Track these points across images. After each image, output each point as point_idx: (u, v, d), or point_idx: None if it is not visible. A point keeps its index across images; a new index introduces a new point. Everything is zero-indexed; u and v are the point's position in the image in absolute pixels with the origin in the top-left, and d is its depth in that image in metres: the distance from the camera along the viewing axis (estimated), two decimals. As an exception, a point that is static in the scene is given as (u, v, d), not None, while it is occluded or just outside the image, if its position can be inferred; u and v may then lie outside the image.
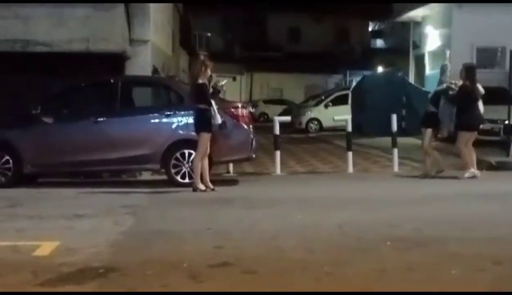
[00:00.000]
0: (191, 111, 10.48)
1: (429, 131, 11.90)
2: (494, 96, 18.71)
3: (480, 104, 11.69)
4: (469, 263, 5.66)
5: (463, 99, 11.49)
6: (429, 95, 12.43)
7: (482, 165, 13.45)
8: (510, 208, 8.17)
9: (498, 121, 16.84)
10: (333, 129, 24.85)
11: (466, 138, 11.60)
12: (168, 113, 11.11)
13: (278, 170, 12.95)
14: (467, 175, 11.52)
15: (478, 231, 6.97)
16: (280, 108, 36.96)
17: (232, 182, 11.61)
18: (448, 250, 6.13)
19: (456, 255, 5.93)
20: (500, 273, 5.36)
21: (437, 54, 25.50)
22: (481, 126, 12.09)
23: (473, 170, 11.58)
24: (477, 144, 12.17)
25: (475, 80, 11.63)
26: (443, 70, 12.29)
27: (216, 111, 10.23)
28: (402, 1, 27.86)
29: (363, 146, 18.19)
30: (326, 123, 27.98)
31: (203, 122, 10.18)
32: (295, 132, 26.98)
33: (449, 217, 7.83)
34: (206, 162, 10.27)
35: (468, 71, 11.80)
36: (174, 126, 11.03)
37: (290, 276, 5.29)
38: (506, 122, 15.37)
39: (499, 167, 13.05)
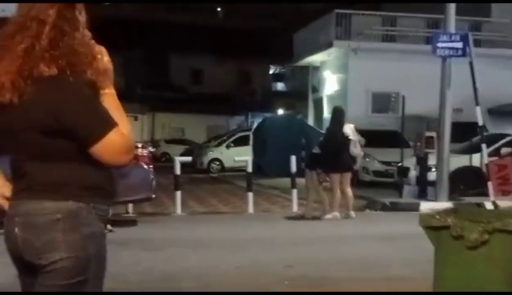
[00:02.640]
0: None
1: (313, 173, 11.81)
2: (388, 139, 19.49)
3: (355, 146, 11.71)
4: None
5: (332, 142, 11.63)
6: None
7: (377, 206, 13.87)
8: (404, 248, 8.41)
9: (392, 164, 17.44)
10: (235, 169, 24.97)
11: (338, 180, 11.62)
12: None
13: (178, 210, 12.85)
14: (329, 216, 11.56)
15: (372, 271, 7.15)
16: (182, 148, 36.85)
17: (131, 222, 11.42)
18: (343, 290, 6.26)
19: (351, 295, 6.07)
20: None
21: (335, 98, 26.24)
22: (355, 167, 12.31)
23: (336, 213, 11.59)
24: (373, 185, 12.48)
25: (342, 123, 11.73)
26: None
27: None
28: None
29: (263, 187, 18.36)
30: (228, 163, 28.10)
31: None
32: (197, 172, 26.91)
33: (345, 257, 7.98)
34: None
35: (336, 114, 12.04)
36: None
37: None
38: (400, 164, 15.93)
39: (393, 207, 13.47)
